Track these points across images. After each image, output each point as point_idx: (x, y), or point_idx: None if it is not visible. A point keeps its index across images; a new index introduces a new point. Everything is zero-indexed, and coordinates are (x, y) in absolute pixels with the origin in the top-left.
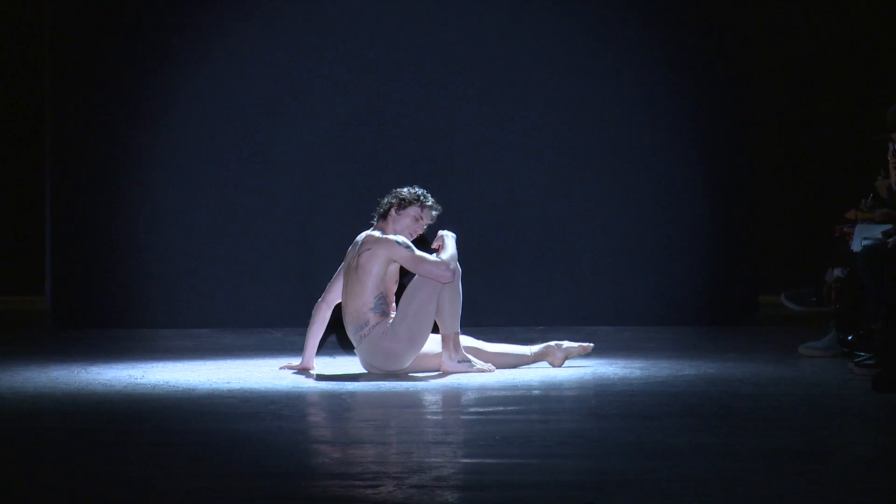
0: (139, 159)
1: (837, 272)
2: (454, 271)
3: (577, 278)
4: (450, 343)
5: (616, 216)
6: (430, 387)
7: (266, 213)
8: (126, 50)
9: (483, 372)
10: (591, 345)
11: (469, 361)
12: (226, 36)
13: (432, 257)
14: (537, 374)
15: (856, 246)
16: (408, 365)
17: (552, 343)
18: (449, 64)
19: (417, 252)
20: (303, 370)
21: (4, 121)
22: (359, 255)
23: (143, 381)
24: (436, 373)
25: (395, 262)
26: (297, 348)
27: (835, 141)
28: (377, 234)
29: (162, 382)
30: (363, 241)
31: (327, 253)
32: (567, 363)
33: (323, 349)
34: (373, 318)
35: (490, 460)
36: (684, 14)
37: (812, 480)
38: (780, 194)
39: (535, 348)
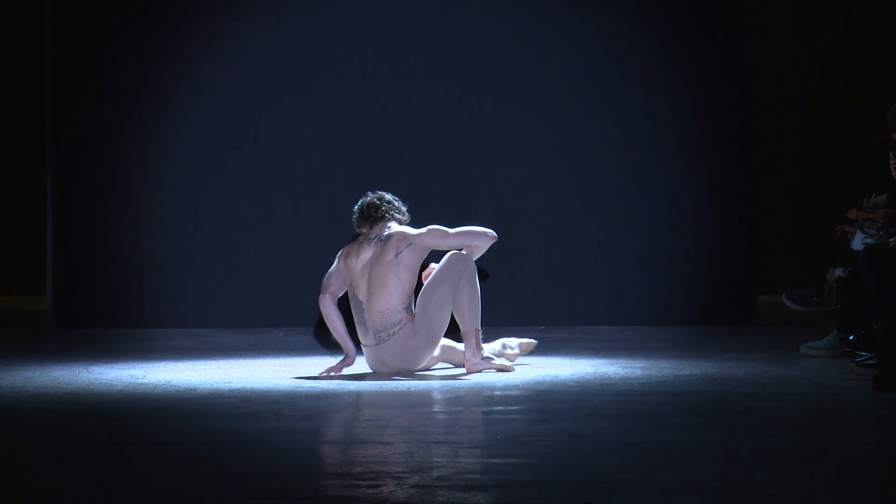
0: (140, 159)
1: (838, 272)
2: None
3: (578, 278)
4: (472, 340)
5: (616, 215)
6: (430, 386)
7: (267, 213)
8: (127, 50)
9: (504, 370)
10: (534, 341)
11: (491, 358)
12: (227, 36)
13: (466, 227)
14: (538, 374)
15: (857, 245)
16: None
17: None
18: (448, 65)
19: (452, 229)
20: (348, 364)
21: (5, 120)
22: (398, 252)
23: (144, 380)
24: (442, 372)
25: (433, 249)
26: (298, 347)
27: (836, 140)
28: (409, 229)
29: (163, 382)
30: (395, 237)
31: (329, 252)
32: (567, 364)
33: (323, 349)
34: (405, 317)
35: (491, 460)
36: (683, 13)
37: (813, 480)
38: (780, 193)
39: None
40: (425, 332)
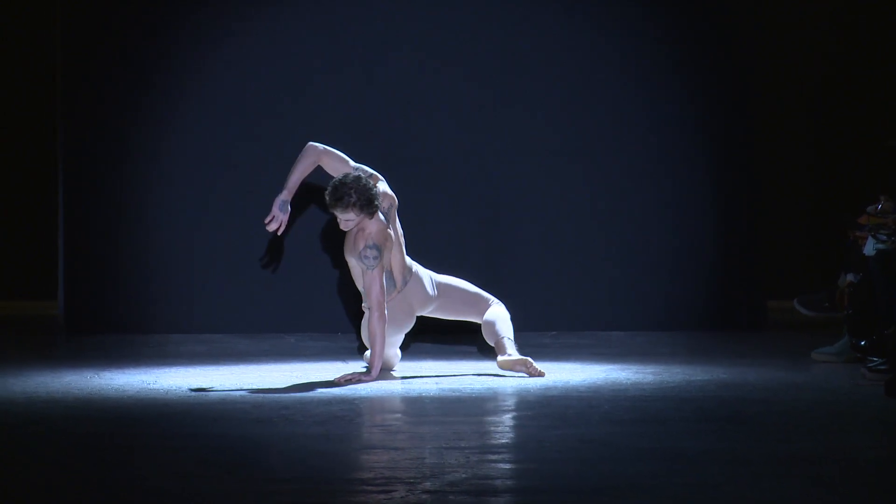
0: (151, 164)
1: (850, 277)
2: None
3: (589, 283)
4: (503, 345)
5: (626, 221)
6: (441, 392)
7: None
8: (138, 56)
9: (535, 374)
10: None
11: (525, 360)
12: (232, 43)
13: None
14: (550, 379)
15: (868, 251)
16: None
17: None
18: (451, 68)
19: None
20: (367, 382)
21: (17, 126)
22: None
23: (155, 385)
24: (452, 377)
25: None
26: (309, 353)
27: (846, 143)
28: (385, 190)
29: (175, 387)
30: (391, 206)
31: (341, 257)
32: (579, 369)
33: (334, 354)
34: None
35: (503, 465)
36: (690, 15)
37: (824, 486)
38: (791, 198)
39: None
40: (436, 290)
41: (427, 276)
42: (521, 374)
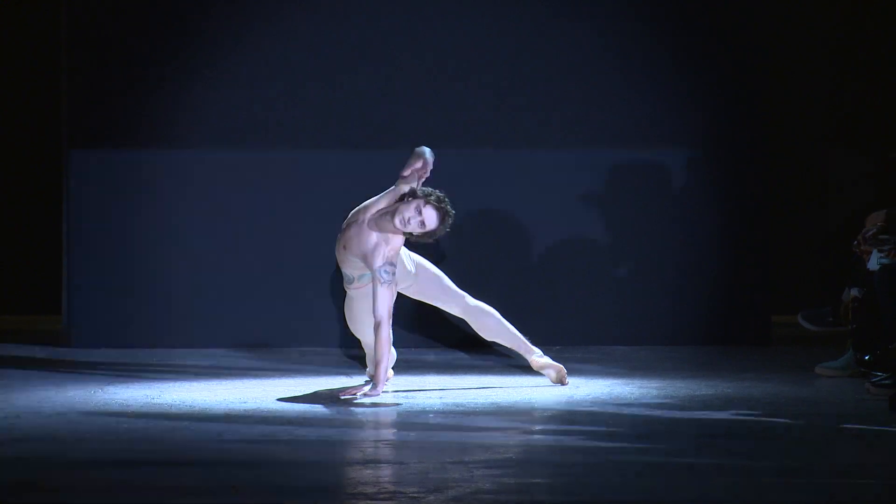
0: (156, 178)
1: (854, 291)
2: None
3: (593, 298)
4: (522, 346)
5: (630, 234)
6: (445, 406)
7: (284, 232)
8: (142, 67)
9: (559, 381)
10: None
11: (554, 365)
12: (245, 50)
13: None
14: (554, 394)
15: (872, 265)
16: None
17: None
18: (455, 75)
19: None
20: (372, 396)
21: (21, 138)
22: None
23: (159, 400)
24: (457, 391)
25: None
26: (314, 367)
27: (853, 156)
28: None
29: (178, 402)
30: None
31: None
32: (583, 384)
33: (338, 368)
34: None
35: (507, 480)
36: (697, 21)
37: (829, 501)
38: (796, 213)
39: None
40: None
41: (405, 252)
42: (545, 378)
